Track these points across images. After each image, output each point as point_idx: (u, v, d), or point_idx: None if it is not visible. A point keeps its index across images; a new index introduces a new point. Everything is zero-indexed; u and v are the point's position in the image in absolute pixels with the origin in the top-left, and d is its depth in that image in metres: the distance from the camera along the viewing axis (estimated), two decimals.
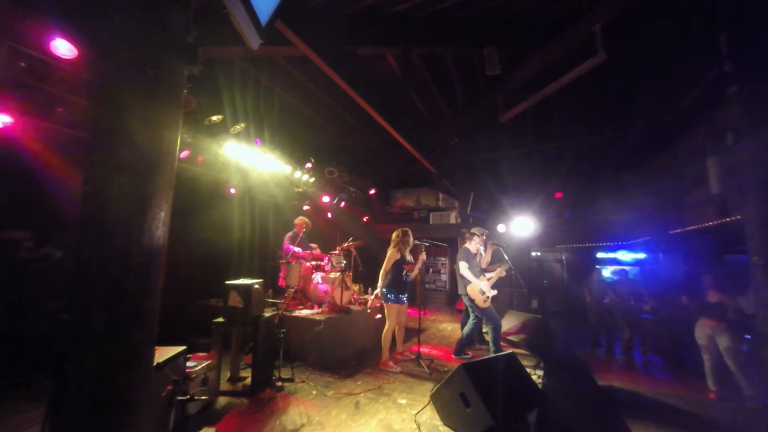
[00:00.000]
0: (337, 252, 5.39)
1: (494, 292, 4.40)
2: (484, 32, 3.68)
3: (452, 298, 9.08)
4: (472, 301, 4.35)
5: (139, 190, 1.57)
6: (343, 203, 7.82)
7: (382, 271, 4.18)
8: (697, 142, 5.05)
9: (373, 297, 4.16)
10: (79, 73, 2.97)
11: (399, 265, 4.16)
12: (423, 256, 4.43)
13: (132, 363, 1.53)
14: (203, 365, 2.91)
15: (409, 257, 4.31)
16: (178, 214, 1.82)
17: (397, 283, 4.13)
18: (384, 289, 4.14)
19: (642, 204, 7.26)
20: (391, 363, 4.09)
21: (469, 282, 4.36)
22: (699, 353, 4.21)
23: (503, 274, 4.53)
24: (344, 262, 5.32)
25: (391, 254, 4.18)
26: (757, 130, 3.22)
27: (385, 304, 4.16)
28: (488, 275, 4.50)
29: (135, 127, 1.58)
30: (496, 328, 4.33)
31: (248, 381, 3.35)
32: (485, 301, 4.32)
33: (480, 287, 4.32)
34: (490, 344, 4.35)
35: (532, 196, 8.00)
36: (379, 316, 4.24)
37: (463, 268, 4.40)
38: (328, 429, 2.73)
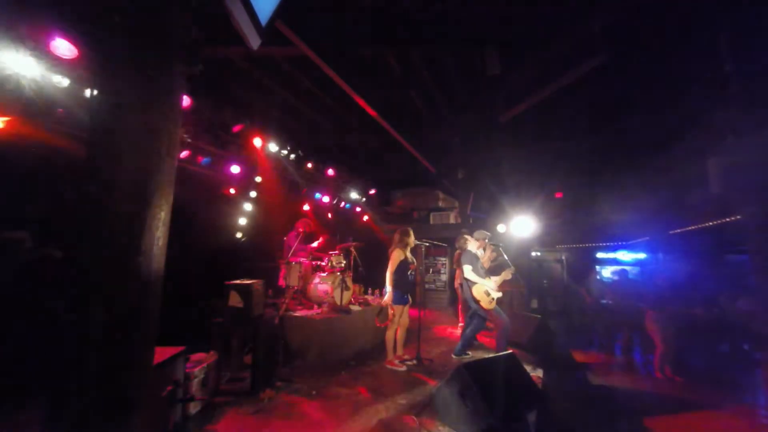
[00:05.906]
0: (336, 252, 5.39)
1: (499, 294, 4.38)
2: (484, 32, 3.69)
3: (452, 299, 9.06)
4: (477, 302, 4.31)
5: (139, 190, 1.57)
6: (343, 203, 7.81)
7: (388, 274, 4.07)
8: (697, 142, 5.05)
9: (385, 302, 4.11)
10: (80, 73, 2.97)
11: (404, 265, 4.12)
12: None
13: (132, 363, 1.53)
14: (203, 365, 2.91)
15: (410, 257, 4.29)
16: (178, 214, 1.81)
17: (402, 284, 4.10)
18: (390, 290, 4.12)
19: (642, 204, 7.25)
20: (396, 362, 4.09)
21: (474, 284, 4.34)
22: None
23: (509, 277, 4.50)
24: (344, 262, 5.31)
25: (395, 255, 4.11)
26: (757, 130, 3.22)
27: (390, 305, 4.14)
28: (494, 278, 4.48)
29: (135, 128, 1.58)
30: (504, 329, 4.30)
31: (248, 381, 3.35)
32: (491, 302, 4.29)
33: (486, 288, 4.31)
34: (497, 344, 4.33)
35: (532, 196, 7.99)
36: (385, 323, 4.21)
37: (468, 270, 4.37)
38: (328, 429, 2.73)
